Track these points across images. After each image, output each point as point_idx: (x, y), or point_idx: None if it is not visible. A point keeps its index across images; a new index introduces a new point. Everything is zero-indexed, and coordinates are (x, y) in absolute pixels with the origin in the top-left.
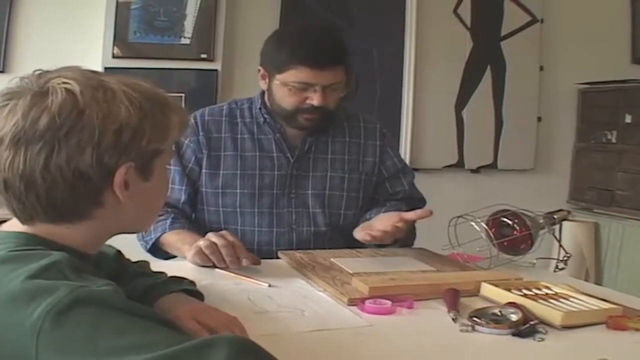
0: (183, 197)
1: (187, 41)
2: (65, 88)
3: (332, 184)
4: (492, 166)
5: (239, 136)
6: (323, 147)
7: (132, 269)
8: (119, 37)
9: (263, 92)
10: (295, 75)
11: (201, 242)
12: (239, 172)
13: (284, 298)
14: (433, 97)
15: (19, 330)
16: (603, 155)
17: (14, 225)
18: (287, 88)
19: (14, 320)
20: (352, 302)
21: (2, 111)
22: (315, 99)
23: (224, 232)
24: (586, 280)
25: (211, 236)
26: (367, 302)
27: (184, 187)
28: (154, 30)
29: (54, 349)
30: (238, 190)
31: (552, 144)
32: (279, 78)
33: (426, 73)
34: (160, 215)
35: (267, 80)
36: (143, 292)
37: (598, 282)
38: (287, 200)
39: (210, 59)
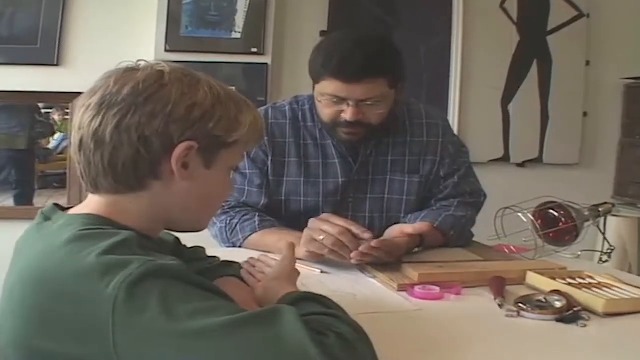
0: (263, 200)
1: (238, 35)
2: (157, 69)
3: (391, 188)
4: (538, 160)
5: (302, 142)
6: (384, 149)
7: (187, 254)
8: (171, 31)
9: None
10: (326, 87)
11: (328, 242)
12: (302, 179)
13: (336, 283)
14: (479, 92)
15: (95, 301)
16: None
17: (80, 209)
18: (321, 100)
19: (89, 293)
20: (401, 288)
21: (97, 85)
22: (348, 114)
23: (327, 216)
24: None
25: (324, 226)
26: (417, 288)
27: (263, 190)
28: (205, 24)
29: (129, 316)
30: (302, 198)
31: (597, 139)
32: (316, 88)
33: (473, 67)
34: (244, 215)
35: (313, 88)
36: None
37: None
38: (345, 204)
39: (260, 53)
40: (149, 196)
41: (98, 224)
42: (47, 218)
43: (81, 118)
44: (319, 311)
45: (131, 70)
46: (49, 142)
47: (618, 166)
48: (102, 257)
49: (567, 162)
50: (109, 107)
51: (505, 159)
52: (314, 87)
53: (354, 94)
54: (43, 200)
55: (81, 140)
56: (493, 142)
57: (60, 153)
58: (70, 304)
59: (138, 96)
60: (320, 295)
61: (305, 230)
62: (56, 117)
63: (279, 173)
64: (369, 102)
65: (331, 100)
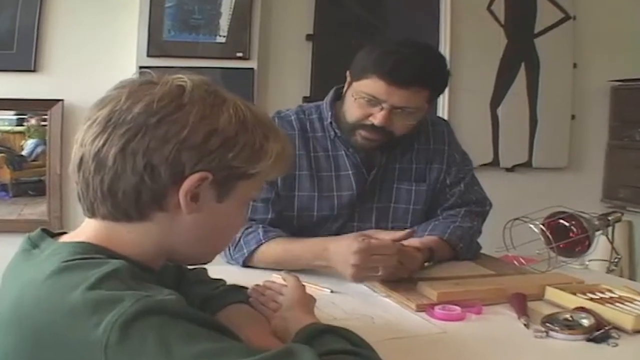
0: (270, 214)
1: (223, 39)
2: (177, 83)
3: (397, 197)
4: (527, 165)
5: (312, 154)
6: (392, 158)
7: (190, 276)
8: (154, 36)
9: (332, 102)
10: (367, 85)
11: (381, 272)
12: (316, 193)
13: (349, 304)
14: (468, 96)
15: (83, 345)
16: (637, 153)
17: (72, 236)
18: (355, 98)
19: (76, 335)
20: (420, 308)
21: (109, 96)
22: (377, 118)
23: (370, 241)
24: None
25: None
26: (437, 309)
27: (269, 205)
28: (188, 28)
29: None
30: (315, 213)
31: (585, 142)
32: (354, 86)
33: (461, 71)
34: (246, 228)
35: (347, 86)
36: (201, 303)
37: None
38: (352, 214)
39: (246, 58)
40: (150, 227)
41: (88, 252)
42: (34, 245)
43: (84, 133)
44: (341, 349)
45: (148, 84)
46: (22, 149)
47: (607, 169)
48: (89, 293)
49: (556, 166)
50: (117, 126)
51: (494, 163)
52: (347, 85)
53: (393, 98)
54: (18, 209)
55: (81, 159)
56: (482, 147)
57: (35, 160)
58: (55, 348)
59: (150, 116)
60: (343, 328)
61: (352, 260)
62: (33, 121)
63: (290, 187)
64: (402, 111)
65: (366, 100)
